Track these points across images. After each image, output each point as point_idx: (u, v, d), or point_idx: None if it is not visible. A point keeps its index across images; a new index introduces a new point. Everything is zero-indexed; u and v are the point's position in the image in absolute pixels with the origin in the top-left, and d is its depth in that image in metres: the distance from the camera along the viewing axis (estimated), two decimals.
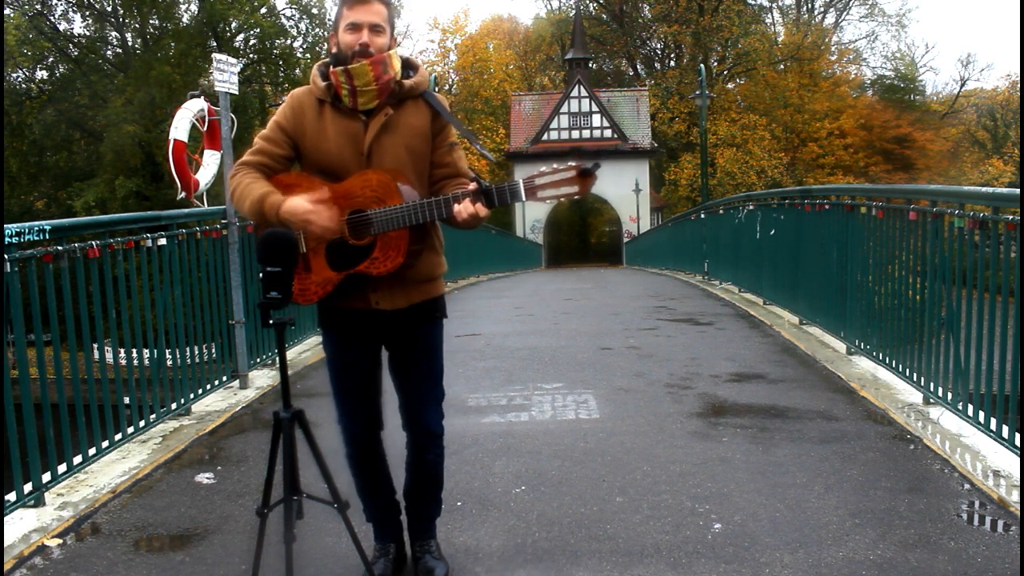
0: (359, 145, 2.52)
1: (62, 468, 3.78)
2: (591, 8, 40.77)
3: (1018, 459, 3.60)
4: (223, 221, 5.42)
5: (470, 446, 4.14)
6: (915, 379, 4.80)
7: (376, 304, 2.57)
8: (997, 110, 46.66)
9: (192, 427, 4.65)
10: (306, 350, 6.71)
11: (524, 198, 2.33)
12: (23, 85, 32.02)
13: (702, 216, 14.08)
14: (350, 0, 2.48)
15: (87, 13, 32.45)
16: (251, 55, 32.43)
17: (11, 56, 29.26)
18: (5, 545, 3.09)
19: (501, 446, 4.16)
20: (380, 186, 2.43)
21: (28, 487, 3.48)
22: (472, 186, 2.39)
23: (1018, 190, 3.70)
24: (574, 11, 37.21)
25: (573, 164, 2.29)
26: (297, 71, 31.22)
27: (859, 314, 5.85)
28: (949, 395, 4.37)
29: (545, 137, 32.17)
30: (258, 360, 5.94)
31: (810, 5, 43.15)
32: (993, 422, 3.90)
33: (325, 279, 2.52)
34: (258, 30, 31.81)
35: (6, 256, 3.32)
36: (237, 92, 5.64)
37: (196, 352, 5.13)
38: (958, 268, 4.34)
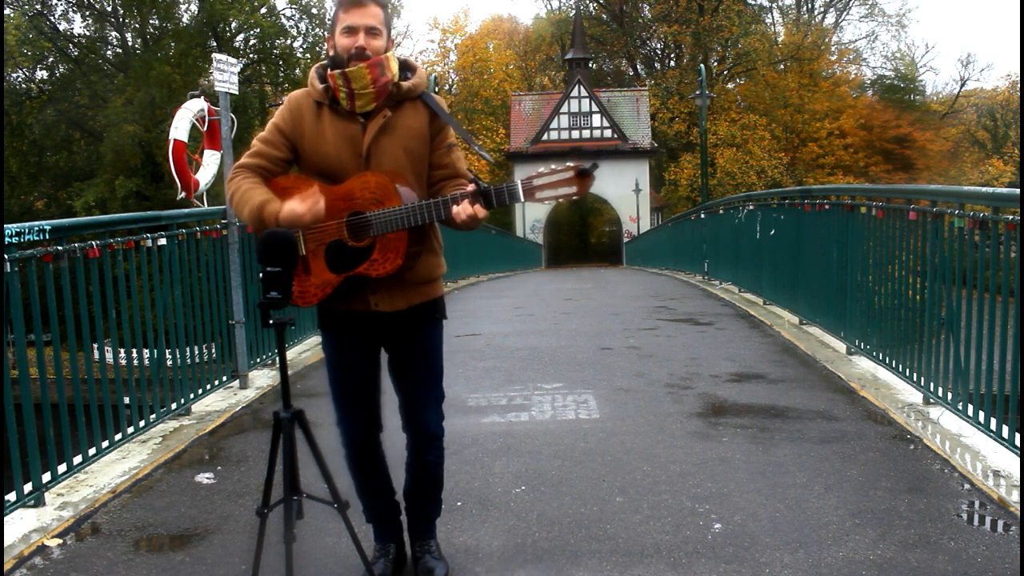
0: (358, 147, 2.52)
1: (62, 468, 3.78)
2: (591, 8, 40.78)
3: (1018, 459, 3.60)
4: (223, 221, 5.42)
5: (470, 446, 4.14)
6: (915, 379, 4.80)
7: (375, 306, 2.58)
8: (997, 110, 46.66)
9: (192, 427, 4.65)
10: (306, 350, 6.71)
11: (523, 199, 2.34)
12: (23, 85, 32.03)
13: (702, 216, 14.08)
14: (346, 3, 2.47)
15: (87, 13, 32.46)
16: (251, 55, 32.44)
17: (11, 56, 29.26)
18: (5, 545, 3.09)
19: (501, 446, 4.16)
20: (379, 188, 2.43)
21: (28, 487, 3.48)
22: (471, 187, 2.39)
23: (1018, 190, 3.70)
24: (574, 11, 37.22)
25: (571, 165, 2.29)
26: (297, 71, 31.21)
27: (859, 314, 5.85)
28: (949, 395, 4.37)
29: (545, 137, 32.17)
30: (258, 360, 5.94)
31: (810, 5, 43.18)
32: (993, 422, 3.90)
33: (325, 281, 2.52)
34: (258, 30, 31.81)
35: (6, 256, 3.32)
36: (237, 92, 5.64)
37: (196, 352, 5.13)
38: (958, 268, 4.34)
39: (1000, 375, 3.91)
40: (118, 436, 4.20)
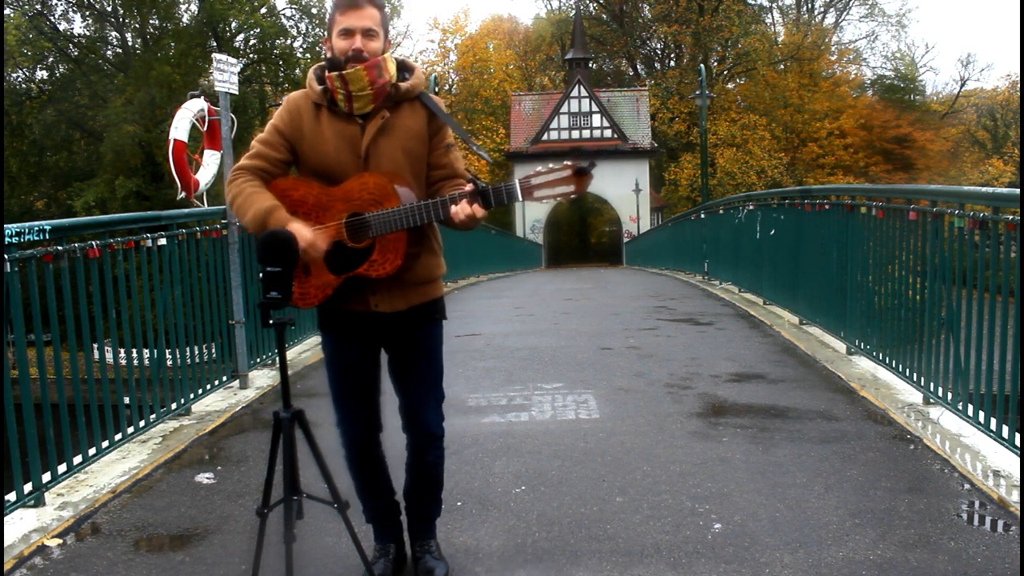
0: (356, 148, 2.52)
1: (62, 468, 3.78)
2: (591, 8, 40.78)
3: (1018, 459, 3.60)
4: (223, 221, 5.42)
5: (470, 446, 4.14)
6: (915, 379, 4.80)
7: (375, 307, 2.58)
8: (997, 110, 46.66)
9: (192, 427, 4.65)
10: (306, 350, 6.71)
11: (521, 198, 2.34)
12: (23, 85, 32.04)
13: (702, 216, 14.08)
14: (342, 5, 2.47)
15: (87, 13, 32.47)
16: (251, 55, 32.44)
17: (11, 56, 29.27)
18: (5, 545, 3.09)
19: (501, 446, 4.16)
20: (377, 189, 2.43)
21: (28, 487, 3.48)
22: (469, 187, 2.39)
23: (1018, 190, 3.70)
24: (574, 11, 37.22)
25: (569, 163, 2.29)
26: (297, 71, 31.22)
27: (859, 314, 5.85)
28: (949, 395, 4.37)
29: (545, 137, 32.18)
30: (258, 360, 5.94)
31: (810, 5, 43.18)
32: (993, 422, 3.90)
33: (325, 282, 2.52)
34: (258, 30, 31.82)
35: (6, 256, 3.32)
36: (237, 92, 5.64)
37: (196, 352, 5.13)
38: (958, 268, 4.34)
39: (1000, 375, 3.91)
40: (118, 436, 4.20)
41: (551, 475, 3.73)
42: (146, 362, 4.64)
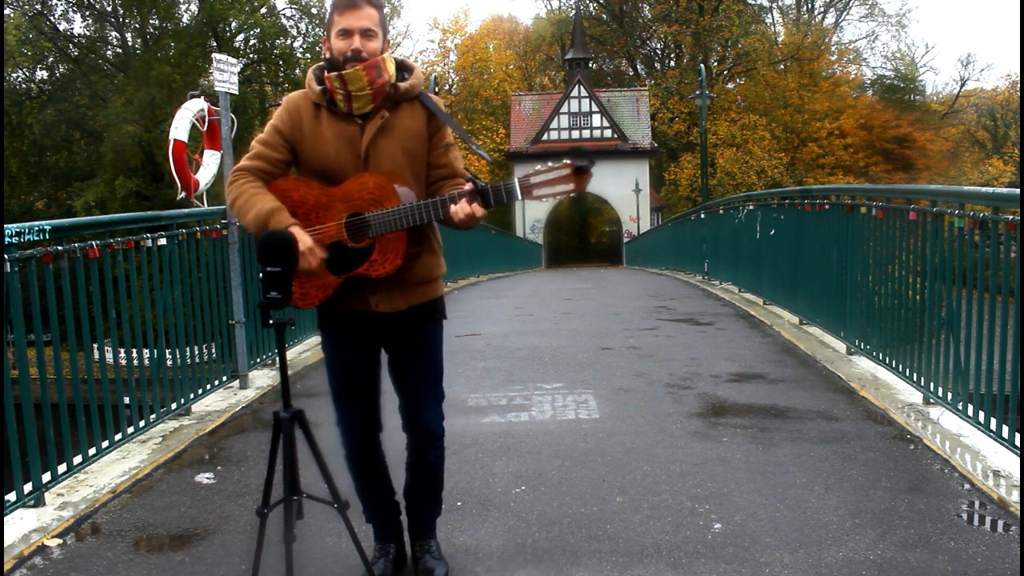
0: (356, 148, 2.52)
1: (62, 468, 3.78)
2: (591, 8, 40.78)
3: (1018, 459, 3.60)
4: (223, 221, 5.42)
5: (470, 446, 4.14)
6: (915, 379, 4.80)
7: (376, 306, 2.58)
8: (997, 110, 46.66)
9: (192, 427, 4.65)
10: (306, 350, 6.71)
11: (520, 197, 2.33)
12: (23, 85, 32.04)
13: (702, 216, 14.08)
14: (340, 6, 2.47)
15: (87, 13, 32.48)
16: (251, 55, 32.44)
17: (11, 56, 29.26)
18: (5, 545, 3.09)
19: (501, 446, 4.16)
20: (377, 188, 2.43)
21: (28, 487, 3.48)
22: (468, 186, 2.39)
23: (1018, 190, 3.70)
24: (574, 11, 37.22)
25: (568, 161, 2.29)
26: (297, 71, 31.22)
27: (859, 314, 5.85)
28: (949, 395, 4.37)
29: (545, 137, 32.18)
30: (258, 360, 5.94)
31: (810, 5, 43.18)
32: (993, 422, 3.90)
33: (325, 282, 2.52)
34: (258, 30, 31.82)
35: (6, 256, 3.32)
36: (237, 92, 5.64)
37: (196, 352, 5.13)
38: (958, 268, 4.34)
39: (1000, 375, 3.91)
40: (118, 436, 4.20)
41: (551, 475, 3.73)
42: (146, 362, 4.64)
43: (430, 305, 2.67)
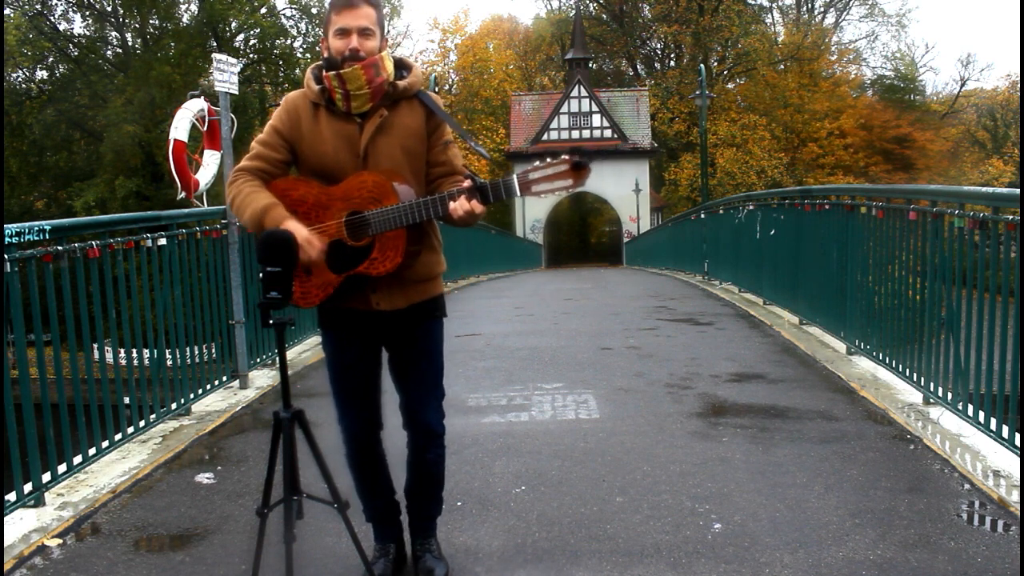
0: (355, 147, 2.52)
1: (62, 468, 3.78)
2: (591, 8, 40.78)
3: (1018, 459, 3.60)
4: (223, 221, 5.42)
5: (470, 446, 4.14)
6: (915, 379, 4.80)
7: (376, 305, 2.58)
8: (997, 110, 46.66)
9: (192, 427, 4.65)
10: (306, 350, 6.71)
11: (519, 193, 2.33)
12: (23, 85, 32.04)
13: (702, 216, 14.08)
14: (338, 5, 2.48)
15: (87, 13, 32.47)
16: (251, 55, 32.44)
17: (11, 56, 29.26)
18: (5, 545, 3.09)
19: (501, 446, 4.16)
20: (376, 187, 2.44)
21: (28, 487, 3.48)
22: (467, 183, 2.39)
23: (1018, 190, 3.70)
24: (574, 11, 37.22)
25: (566, 157, 2.29)
26: (297, 71, 31.21)
27: (859, 314, 5.85)
28: (949, 395, 4.37)
29: (545, 137, 32.18)
30: (258, 360, 5.94)
31: (810, 5, 43.18)
32: (993, 422, 3.90)
33: (326, 281, 2.52)
34: (258, 30, 31.82)
35: (6, 256, 3.32)
36: (237, 92, 5.64)
37: (196, 352, 5.13)
38: (958, 268, 4.34)
39: (1000, 375, 3.91)
40: (118, 436, 4.20)
41: (551, 475, 3.73)
42: (146, 362, 4.64)
43: (430, 303, 2.68)
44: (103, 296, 4.09)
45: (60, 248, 3.72)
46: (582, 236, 38.73)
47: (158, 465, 4.02)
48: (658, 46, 41.65)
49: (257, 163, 2.59)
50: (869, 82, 43.74)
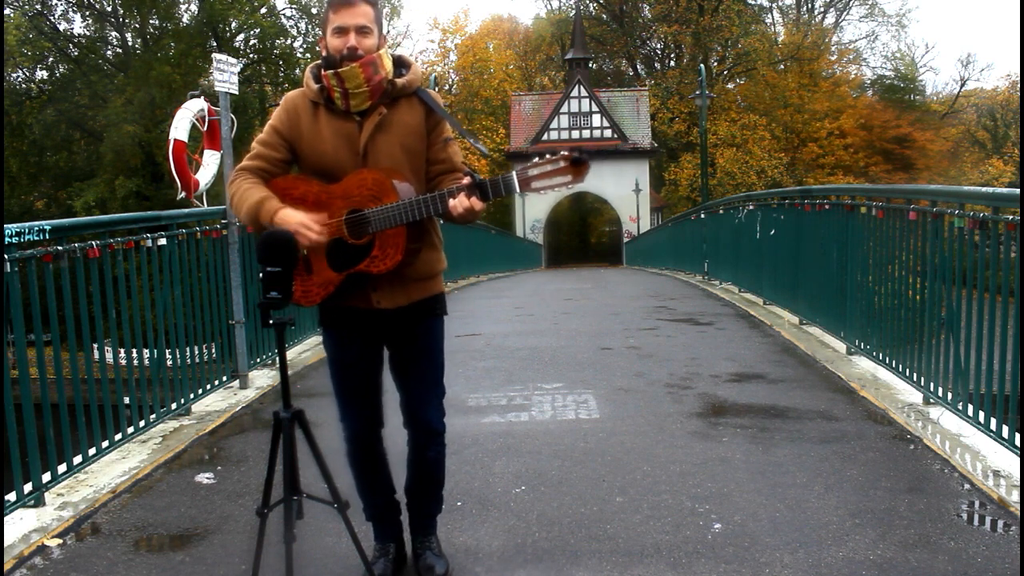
0: (355, 145, 2.53)
1: (62, 468, 3.78)
2: (591, 8, 40.78)
3: (1018, 459, 3.60)
4: (223, 221, 5.42)
5: (470, 446, 4.14)
6: (915, 379, 4.80)
7: (377, 303, 2.58)
8: (997, 110, 46.66)
9: (192, 427, 4.65)
10: (306, 350, 6.71)
11: (518, 190, 2.34)
12: (23, 85, 32.04)
13: (702, 216, 14.08)
14: (335, 4, 2.48)
15: (87, 13, 32.47)
16: (251, 55, 32.44)
17: (11, 56, 29.27)
18: (5, 545, 3.09)
19: (501, 446, 4.16)
20: (376, 185, 2.44)
21: (28, 487, 3.48)
22: (466, 180, 2.40)
23: (1018, 190, 3.70)
24: (574, 11, 37.22)
25: (564, 153, 2.30)
26: (297, 71, 31.19)
27: (859, 314, 5.85)
28: (949, 395, 4.37)
29: (545, 137, 32.17)
30: (258, 360, 5.94)
31: (810, 5, 43.18)
32: (993, 422, 3.90)
33: (327, 280, 2.52)
34: (258, 30, 31.82)
35: (6, 256, 3.32)
36: (237, 92, 5.64)
37: (196, 352, 5.13)
38: (958, 268, 4.34)
39: (1000, 375, 3.91)
40: (118, 436, 4.20)
41: (551, 475, 3.73)
42: (146, 362, 4.64)
43: (431, 301, 2.68)
44: (103, 296, 4.09)
45: (60, 248, 3.72)
46: (582, 236, 38.73)
47: (158, 465, 4.02)
48: (658, 46, 41.67)
49: (257, 163, 2.59)
50: (869, 82, 43.79)
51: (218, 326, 5.45)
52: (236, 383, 5.51)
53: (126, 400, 4.40)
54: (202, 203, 6.03)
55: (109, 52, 32.99)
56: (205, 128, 5.95)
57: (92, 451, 3.96)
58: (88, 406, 3.96)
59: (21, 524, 3.32)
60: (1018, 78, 43.79)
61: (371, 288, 2.56)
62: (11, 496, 3.41)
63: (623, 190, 31.57)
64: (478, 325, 8.30)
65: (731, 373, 5.66)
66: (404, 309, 2.61)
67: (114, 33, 32.83)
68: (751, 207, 9.97)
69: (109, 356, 4.98)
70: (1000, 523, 3.13)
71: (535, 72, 43.13)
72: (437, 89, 25.35)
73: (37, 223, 3.55)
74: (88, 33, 32.97)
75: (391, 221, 2.42)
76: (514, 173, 2.33)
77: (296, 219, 2.42)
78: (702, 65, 28.93)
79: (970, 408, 4.11)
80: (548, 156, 2.30)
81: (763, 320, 7.97)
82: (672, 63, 40.33)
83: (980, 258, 4.33)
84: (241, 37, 32.84)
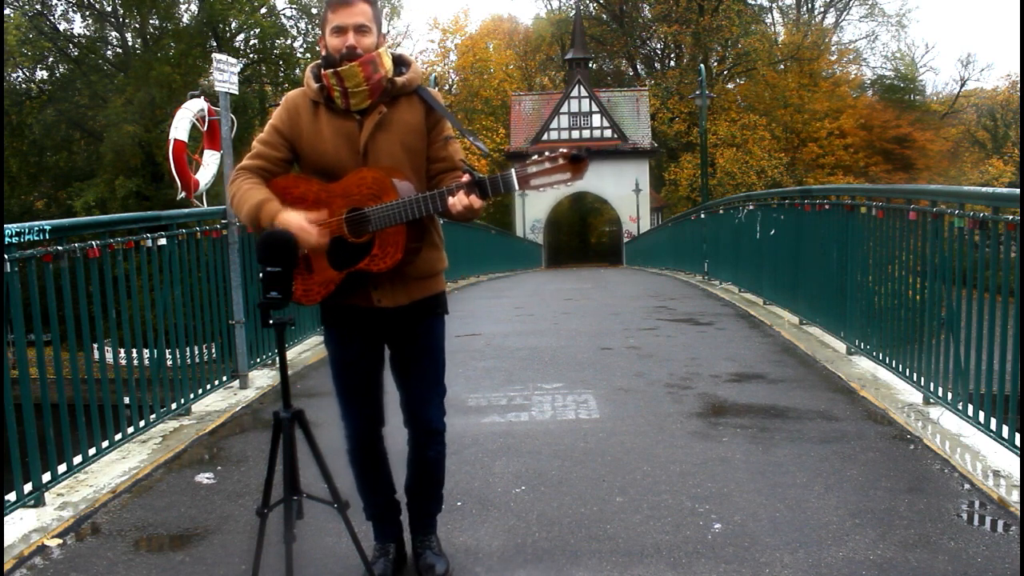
0: (355, 144, 2.53)
1: (62, 468, 3.78)
2: (591, 8, 40.78)
3: (1018, 459, 3.60)
4: (223, 221, 5.42)
5: (470, 446, 4.14)
6: (915, 379, 4.80)
7: (378, 302, 2.58)
8: (997, 110, 46.65)
9: (192, 427, 4.65)
10: (306, 350, 6.71)
11: (517, 188, 2.34)
12: (23, 85, 32.03)
13: (702, 216, 14.08)
14: (333, 3, 2.48)
15: (87, 13, 32.47)
16: (251, 55, 32.44)
17: (11, 56, 29.27)
18: (5, 545, 3.09)
19: (501, 446, 4.16)
20: (375, 183, 2.44)
21: (28, 487, 3.48)
22: (465, 178, 2.40)
23: (1018, 190, 3.70)
24: (574, 11, 37.21)
25: (563, 151, 2.30)
26: (297, 71, 31.20)
27: (859, 314, 5.85)
28: (949, 395, 4.37)
29: (545, 137, 32.16)
30: (258, 360, 5.94)
31: (810, 5, 43.18)
32: (993, 422, 3.90)
33: (327, 279, 2.53)
34: (258, 30, 31.82)
35: (6, 256, 3.32)
36: (237, 92, 5.64)
37: (196, 352, 5.13)
38: (958, 268, 4.34)
39: (1000, 375, 3.91)
40: (118, 436, 4.20)
41: (551, 475, 3.73)
42: (146, 362, 4.64)
43: (432, 300, 2.68)
44: (103, 296, 4.09)
45: (60, 248, 3.72)
46: (582, 236, 38.73)
47: (158, 465, 4.02)
48: (658, 46, 41.67)
49: (258, 162, 2.60)
50: (869, 82, 43.78)
51: (218, 326, 5.45)
52: (236, 383, 5.51)
53: (126, 400, 4.40)
54: (202, 203, 6.03)
55: (109, 52, 32.99)
56: (205, 128, 5.96)
57: (92, 451, 3.96)
58: (88, 406, 3.96)
59: (21, 524, 3.32)
60: (1018, 78, 43.84)
61: (372, 287, 2.56)
62: (11, 496, 3.41)
63: (623, 190, 31.58)
64: (478, 325, 8.30)
65: (731, 373, 5.66)
66: (405, 308, 2.61)
67: (114, 33, 32.84)
68: (751, 207, 9.97)
69: (109, 356, 4.98)
70: (1000, 523, 3.13)
71: (535, 72, 43.13)
72: (437, 89, 25.34)
73: (37, 223, 3.55)
74: (88, 33, 32.99)
75: (391, 219, 2.42)
76: (513, 171, 2.34)
77: (296, 222, 2.43)
78: (702, 65, 28.93)
79: (970, 408, 4.11)
80: (547, 154, 2.31)
81: (763, 320, 7.97)
82: (672, 63, 40.33)
83: (980, 258, 4.33)
84: (241, 37, 32.85)
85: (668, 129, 36.21)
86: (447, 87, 39.80)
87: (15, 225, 3.40)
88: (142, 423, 4.46)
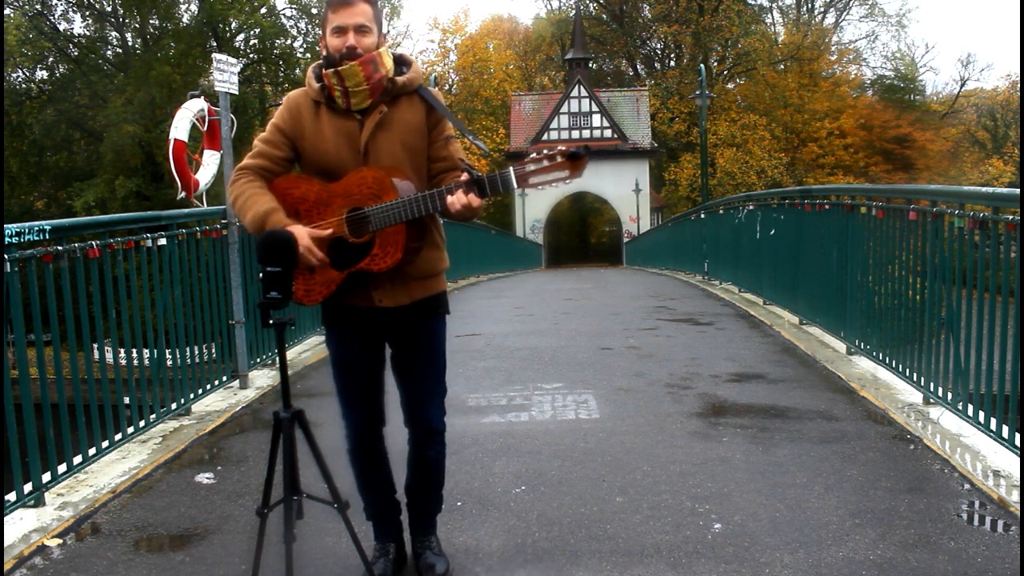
0: (356, 144, 2.53)
1: (62, 468, 3.78)
2: (591, 8, 40.78)
3: (1018, 459, 3.60)
4: (223, 221, 5.42)
5: (470, 446, 4.14)
6: (915, 379, 4.80)
7: (379, 301, 2.58)
8: (997, 110, 46.65)
9: (192, 427, 4.65)
10: (306, 350, 6.71)
11: (516, 186, 2.35)
12: (23, 85, 32.03)
13: (702, 216, 14.08)
14: (334, 3, 2.49)
15: (87, 13, 32.47)
16: (251, 55, 32.44)
17: (11, 56, 29.27)
18: (5, 545, 3.09)
19: (501, 446, 4.16)
20: (375, 183, 2.44)
21: (28, 487, 3.48)
22: (464, 177, 2.40)
23: (1018, 190, 3.70)
24: (574, 11, 37.22)
25: (561, 149, 2.30)
26: (297, 71, 31.23)
27: (859, 314, 5.85)
28: (949, 395, 4.37)
29: (545, 137, 32.16)
30: (258, 360, 5.94)
31: (810, 5, 43.18)
32: (993, 422, 3.90)
33: (328, 279, 2.53)
34: (258, 30, 31.82)
35: (6, 256, 3.32)
36: (237, 92, 5.64)
37: (196, 352, 5.13)
38: (958, 268, 4.34)
39: (1000, 375, 3.91)
40: (118, 436, 4.20)
41: (551, 475, 3.73)
42: (146, 362, 4.64)
43: (433, 299, 2.68)
44: (103, 296, 4.09)
45: (60, 248, 3.72)
46: (582, 236, 38.73)
47: (158, 465, 4.02)
48: (658, 46, 41.67)
49: (260, 161, 2.60)
50: (869, 82, 43.77)
51: (218, 326, 5.45)
52: (236, 383, 5.51)
53: (126, 400, 4.40)
54: (202, 203, 6.03)
55: (109, 52, 33.00)
56: (205, 128, 5.96)
57: (92, 451, 3.96)
58: (88, 406, 3.96)
59: (21, 524, 3.32)
60: (1018, 78, 43.84)
61: (373, 286, 2.56)
62: (11, 496, 3.41)
63: (623, 190, 31.58)
64: (478, 325, 8.30)
65: (731, 373, 5.66)
66: (406, 308, 2.61)
67: (114, 33, 32.84)
68: (751, 207, 9.97)
69: (109, 356, 4.99)
70: (1000, 523, 3.13)
71: (535, 72, 43.13)
72: (437, 89, 25.34)
73: (37, 223, 3.56)
74: (88, 33, 32.99)
75: (390, 219, 2.42)
76: (511, 169, 2.34)
77: (304, 243, 2.43)
78: (702, 65, 28.92)
79: (970, 408, 4.11)
80: (545, 152, 2.31)
81: (763, 320, 7.97)
82: (672, 63, 40.33)
83: (980, 258, 4.33)
84: (241, 37, 32.85)
85: (668, 129, 36.21)
86: (447, 87, 39.80)
87: (15, 225, 3.40)
88: (142, 423, 4.46)
